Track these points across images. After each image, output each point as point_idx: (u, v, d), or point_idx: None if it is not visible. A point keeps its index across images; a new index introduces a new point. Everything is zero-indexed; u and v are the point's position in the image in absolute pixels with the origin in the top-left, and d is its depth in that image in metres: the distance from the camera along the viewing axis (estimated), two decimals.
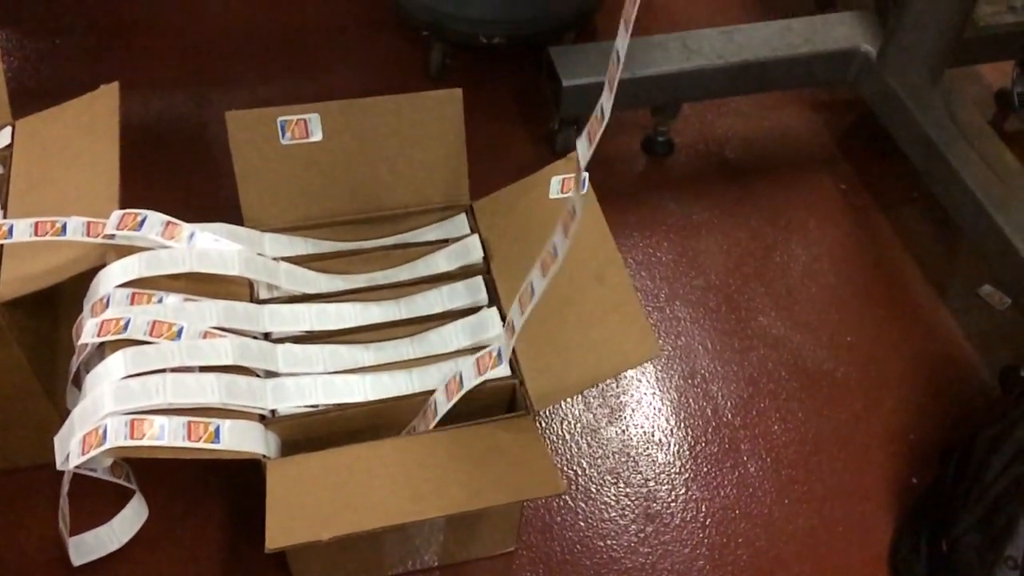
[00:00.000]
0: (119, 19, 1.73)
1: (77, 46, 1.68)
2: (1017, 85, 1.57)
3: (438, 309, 1.03)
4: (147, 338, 0.89)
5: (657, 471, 1.20)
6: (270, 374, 0.95)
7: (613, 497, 1.16)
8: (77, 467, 0.84)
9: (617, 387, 1.29)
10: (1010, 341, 1.34)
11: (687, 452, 1.22)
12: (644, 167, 1.58)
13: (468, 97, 1.67)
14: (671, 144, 1.58)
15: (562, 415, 1.25)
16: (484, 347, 0.96)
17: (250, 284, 1.02)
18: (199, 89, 1.62)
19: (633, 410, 1.26)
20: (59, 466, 0.85)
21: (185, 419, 0.85)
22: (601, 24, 1.75)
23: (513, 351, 0.95)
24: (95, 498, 1.03)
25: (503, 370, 0.94)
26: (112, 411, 0.84)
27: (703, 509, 1.16)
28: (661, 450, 1.22)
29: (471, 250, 1.07)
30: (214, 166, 1.40)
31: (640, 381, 1.29)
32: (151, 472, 1.01)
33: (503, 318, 1.01)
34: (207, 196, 1.36)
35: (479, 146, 1.54)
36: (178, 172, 1.47)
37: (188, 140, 1.53)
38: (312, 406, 0.93)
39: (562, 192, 1.06)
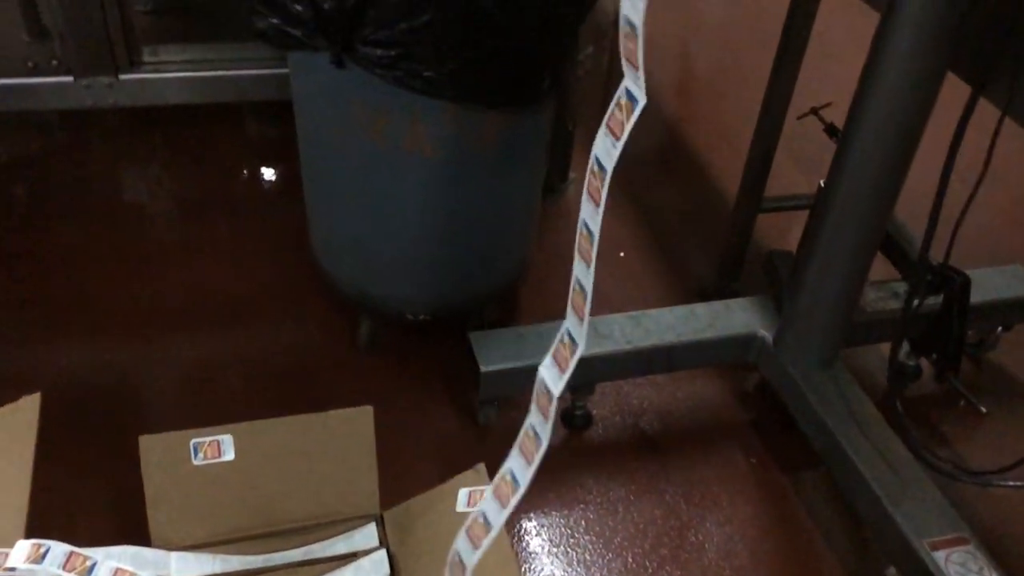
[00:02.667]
0: (49, 292, 1.79)
1: (8, 320, 1.72)
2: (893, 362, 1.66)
3: None
4: None
5: None
6: None
7: None
8: None
9: None
10: None
11: None
12: (563, 440, 1.63)
13: (394, 368, 1.73)
14: (589, 417, 1.64)
15: None
16: None
17: None
18: (123, 360, 1.66)
19: None
20: None
21: None
22: (523, 295, 1.86)
23: None
24: None
25: None
26: None
27: None
28: None
29: (378, 566, 1.08)
30: (130, 460, 1.41)
31: None
32: None
33: None
34: (121, 493, 1.35)
35: (404, 417, 1.59)
36: (95, 465, 1.46)
37: (102, 426, 1.53)
38: None
39: (469, 505, 1.09)
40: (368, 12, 1.28)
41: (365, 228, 1.57)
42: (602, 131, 0.77)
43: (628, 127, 0.74)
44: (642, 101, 0.72)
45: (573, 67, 1.90)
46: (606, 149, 0.76)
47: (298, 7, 1.32)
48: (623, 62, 0.74)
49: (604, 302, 1.90)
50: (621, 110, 0.75)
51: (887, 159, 1.33)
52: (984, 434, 1.67)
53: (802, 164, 2.22)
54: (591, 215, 0.77)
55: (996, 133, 1.14)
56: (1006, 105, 1.13)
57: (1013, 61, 1.13)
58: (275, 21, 1.37)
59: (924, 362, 1.74)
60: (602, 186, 0.77)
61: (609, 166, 0.76)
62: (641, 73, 0.73)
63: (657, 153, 2.46)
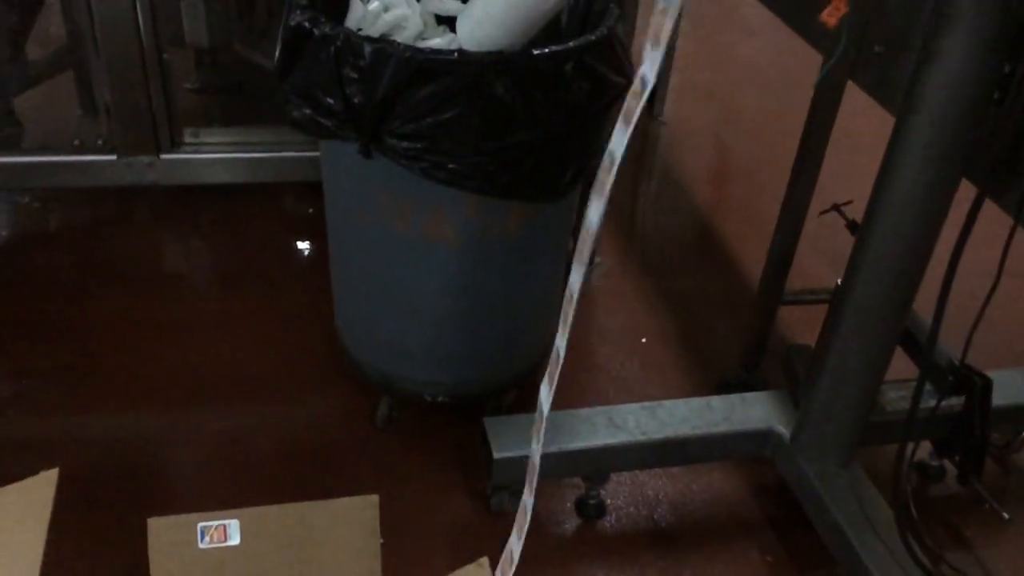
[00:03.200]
0: (82, 361, 1.84)
1: (41, 389, 1.77)
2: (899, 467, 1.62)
3: None
4: None
5: None
6: None
7: None
8: None
9: None
10: None
11: None
12: (576, 529, 1.61)
13: (411, 449, 1.74)
14: (603, 506, 1.63)
15: None
16: None
17: None
18: (148, 432, 1.70)
19: None
20: None
21: None
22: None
23: None
24: None
25: None
26: None
27: None
28: None
29: None
30: (141, 538, 1.42)
31: None
32: None
33: None
34: (131, 573, 1.37)
35: (417, 499, 1.59)
36: (107, 541, 1.47)
37: (119, 500, 1.56)
38: None
39: None
40: (396, 107, 1.33)
41: (387, 312, 1.60)
42: (619, 123, 0.80)
43: (638, 111, 0.77)
44: (651, 83, 0.76)
45: (599, 155, 1.94)
46: (620, 141, 0.80)
47: (329, 100, 1.38)
48: (647, 42, 0.77)
49: (623, 388, 1.91)
50: (635, 97, 0.78)
51: (903, 259, 1.34)
52: (1007, 541, 1.62)
53: (828, 257, 2.22)
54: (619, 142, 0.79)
55: (1008, 244, 1.15)
56: (1016, 214, 1.14)
57: None
58: (308, 111, 1.43)
59: (948, 463, 1.71)
60: (607, 178, 0.79)
61: (618, 156, 0.80)
62: (662, 51, 0.75)
63: (687, 240, 2.48)
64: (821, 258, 2.20)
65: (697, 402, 1.60)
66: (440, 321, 1.58)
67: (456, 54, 1.33)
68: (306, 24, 1.35)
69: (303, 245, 2.25)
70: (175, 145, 1.88)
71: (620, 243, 2.38)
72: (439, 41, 1.54)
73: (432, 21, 1.61)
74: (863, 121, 2.01)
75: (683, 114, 2.96)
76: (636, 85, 0.79)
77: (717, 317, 2.16)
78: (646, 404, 1.59)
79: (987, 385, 1.51)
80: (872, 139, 1.69)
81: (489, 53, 1.34)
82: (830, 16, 0.96)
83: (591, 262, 0.82)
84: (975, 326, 1.34)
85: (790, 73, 3.15)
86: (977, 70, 1.15)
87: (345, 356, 1.75)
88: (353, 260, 1.62)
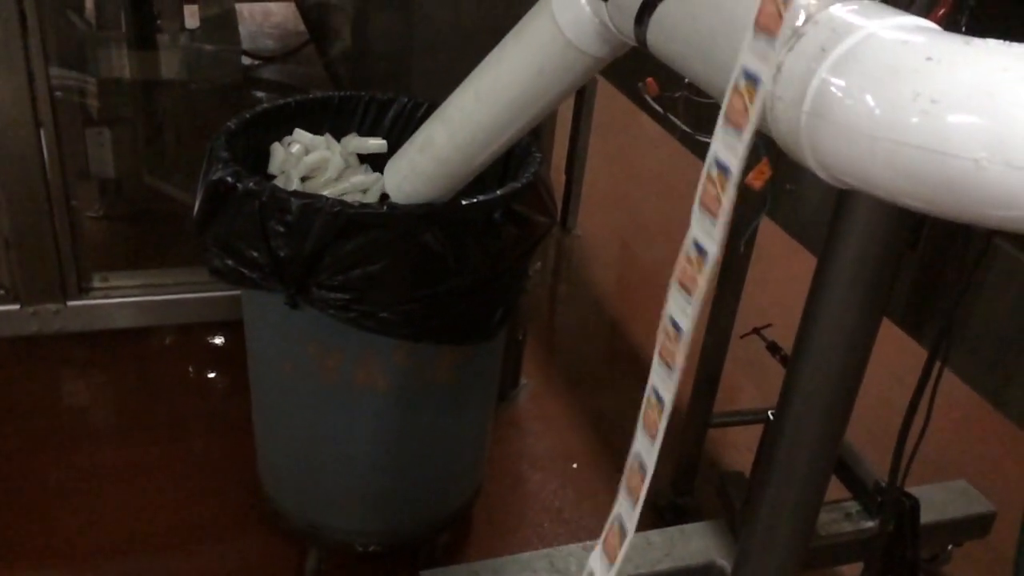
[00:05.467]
0: None
1: None
2: None
3: None
4: None
5: None
6: None
7: None
8: None
9: None
10: None
11: None
12: None
13: None
14: None
15: None
16: None
17: None
18: None
19: None
20: None
21: None
22: (475, 512, 1.82)
23: None
24: None
25: None
26: None
27: None
28: None
29: None
30: None
31: None
32: None
33: None
34: None
35: None
36: None
37: None
38: None
39: None
40: (324, 259, 1.31)
41: (315, 459, 1.54)
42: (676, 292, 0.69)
43: (702, 282, 0.66)
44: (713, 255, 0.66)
45: (523, 288, 1.95)
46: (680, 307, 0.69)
47: (254, 252, 1.34)
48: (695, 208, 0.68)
49: (559, 519, 1.88)
50: (692, 263, 0.67)
51: (834, 392, 1.36)
52: None
53: (750, 373, 2.26)
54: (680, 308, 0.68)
55: (936, 385, 1.19)
56: (944, 359, 1.18)
57: (943, 316, 1.19)
58: (230, 262, 1.39)
59: None
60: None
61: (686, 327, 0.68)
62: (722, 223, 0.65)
63: (608, 356, 2.50)
64: (743, 374, 2.24)
65: (637, 537, 1.56)
66: (371, 468, 1.53)
67: (385, 207, 1.32)
68: (229, 179, 1.32)
69: (220, 386, 2.16)
70: (83, 291, 1.79)
71: (542, 361, 2.37)
72: (361, 179, 1.53)
73: (354, 160, 1.61)
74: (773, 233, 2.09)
75: (594, 225, 3.02)
76: (690, 252, 0.68)
77: None
78: (587, 543, 1.56)
79: (915, 505, 1.54)
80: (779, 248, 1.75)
81: (418, 205, 1.33)
82: (755, 180, 0.98)
83: None
84: (912, 457, 1.37)
85: (691, 183, 3.27)
86: (891, 217, 1.20)
87: (268, 505, 1.66)
88: (278, 408, 1.56)
